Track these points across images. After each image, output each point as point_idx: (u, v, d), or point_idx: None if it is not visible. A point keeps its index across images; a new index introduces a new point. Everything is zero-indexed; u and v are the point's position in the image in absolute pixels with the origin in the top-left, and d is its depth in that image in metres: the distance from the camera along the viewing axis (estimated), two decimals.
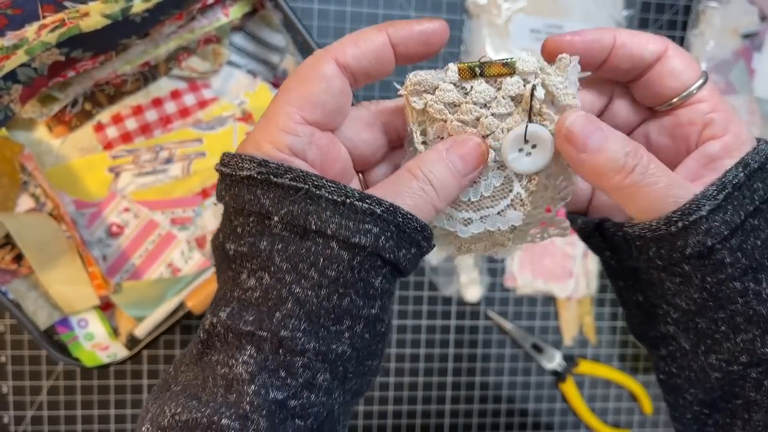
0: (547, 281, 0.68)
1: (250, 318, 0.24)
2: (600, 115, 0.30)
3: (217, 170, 0.26)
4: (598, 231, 0.30)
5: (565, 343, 0.70)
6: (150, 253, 0.52)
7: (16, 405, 0.62)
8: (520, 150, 0.27)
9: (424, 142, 0.27)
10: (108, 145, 0.52)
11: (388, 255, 0.25)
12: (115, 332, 0.54)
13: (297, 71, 0.26)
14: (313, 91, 0.25)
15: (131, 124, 0.52)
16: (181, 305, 0.52)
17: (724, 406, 0.29)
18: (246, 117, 0.52)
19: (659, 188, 0.25)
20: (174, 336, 0.63)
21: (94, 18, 0.43)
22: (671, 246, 0.26)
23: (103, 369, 0.56)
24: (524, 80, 0.26)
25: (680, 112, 0.28)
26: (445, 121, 0.26)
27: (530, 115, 0.26)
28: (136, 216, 0.52)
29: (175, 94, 0.52)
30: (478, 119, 0.26)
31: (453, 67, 0.26)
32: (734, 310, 0.27)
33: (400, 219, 0.25)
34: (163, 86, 0.52)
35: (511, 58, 0.26)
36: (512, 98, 0.26)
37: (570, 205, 0.32)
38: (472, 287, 0.67)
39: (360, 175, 0.30)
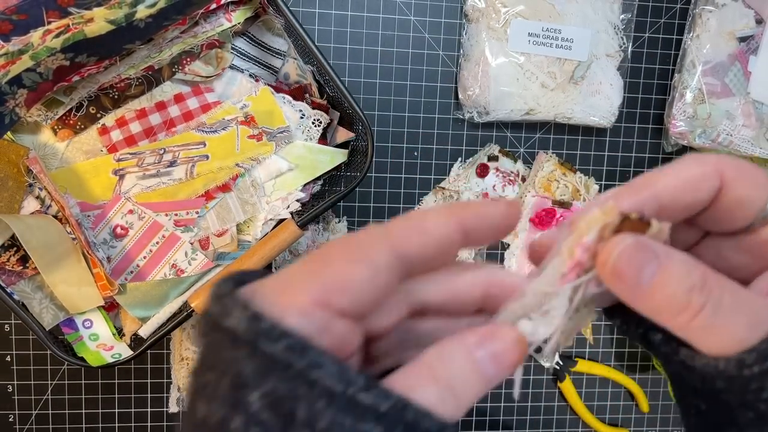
0: None
1: None
2: None
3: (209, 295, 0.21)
4: (643, 342, 0.24)
5: None
6: (154, 255, 0.53)
7: (21, 404, 0.62)
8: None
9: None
10: (112, 148, 0.52)
11: None
12: (119, 332, 0.54)
13: (347, 245, 0.20)
14: (353, 278, 0.20)
15: (135, 127, 0.52)
16: (185, 305, 0.52)
17: None
18: (248, 120, 0.53)
19: (737, 329, 0.20)
20: None
21: (98, 23, 0.44)
22: (743, 388, 0.21)
23: (107, 368, 0.57)
24: None
25: (761, 228, 0.23)
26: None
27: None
28: (141, 218, 0.52)
29: (179, 98, 0.53)
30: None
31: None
32: None
33: (411, 417, 0.18)
34: (166, 90, 0.53)
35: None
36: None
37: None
38: None
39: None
